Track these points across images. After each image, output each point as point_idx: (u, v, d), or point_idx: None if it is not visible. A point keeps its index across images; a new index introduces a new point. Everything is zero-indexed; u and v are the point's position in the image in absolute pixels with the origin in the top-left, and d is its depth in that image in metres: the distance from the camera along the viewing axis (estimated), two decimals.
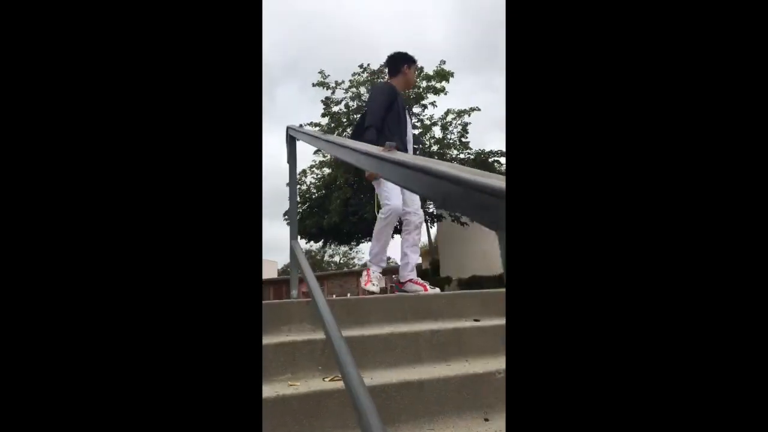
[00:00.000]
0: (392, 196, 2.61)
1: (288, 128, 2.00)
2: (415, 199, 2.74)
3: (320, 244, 13.56)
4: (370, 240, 2.68)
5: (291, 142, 2.00)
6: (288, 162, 2.02)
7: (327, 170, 12.19)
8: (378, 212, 2.61)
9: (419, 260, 2.63)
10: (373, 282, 2.57)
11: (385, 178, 0.69)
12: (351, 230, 11.88)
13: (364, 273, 2.63)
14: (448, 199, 0.45)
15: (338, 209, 10.66)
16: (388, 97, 2.56)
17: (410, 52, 2.77)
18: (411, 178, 0.56)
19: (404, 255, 2.69)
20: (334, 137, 1.15)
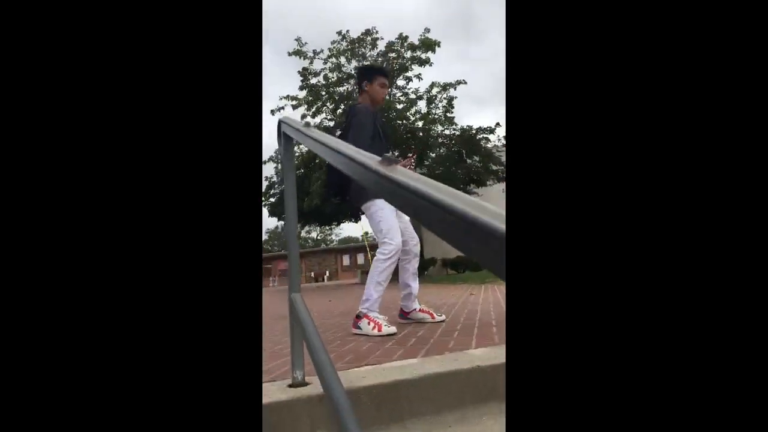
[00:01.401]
0: (393, 230, 2.25)
1: (281, 123, 1.34)
2: (408, 223, 2.43)
3: (299, 225, 12.98)
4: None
5: (286, 143, 1.35)
6: (283, 174, 1.37)
7: (305, 148, 11.38)
8: (364, 239, 2.26)
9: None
10: (385, 324, 2.13)
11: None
12: (333, 212, 11.22)
13: (365, 321, 2.16)
14: (447, 233, 0.35)
15: (319, 191, 9.93)
16: (369, 122, 2.29)
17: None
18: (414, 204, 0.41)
19: (406, 285, 2.42)
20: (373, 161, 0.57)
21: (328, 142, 0.76)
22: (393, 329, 2.10)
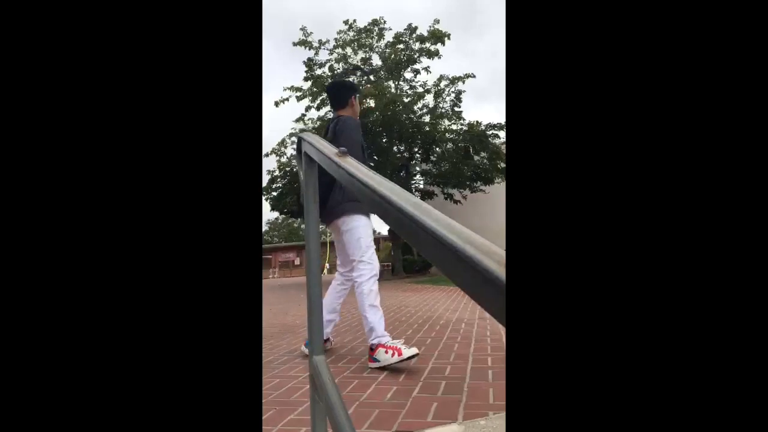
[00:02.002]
0: (371, 250, 2.09)
1: (302, 141, 1.08)
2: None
3: (298, 220, 12.76)
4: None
5: (308, 166, 1.09)
6: (304, 203, 1.11)
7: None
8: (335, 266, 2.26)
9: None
10: (404, 348, 1.94)
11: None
12: None
13: (381, 351, 1.94)
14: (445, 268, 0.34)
15: None
16: (359, 134, 2.22)
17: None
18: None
19: (334, 311, 2.27)
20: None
21: (397, 202, 0.49)
22: (414, 350, 1.91)
